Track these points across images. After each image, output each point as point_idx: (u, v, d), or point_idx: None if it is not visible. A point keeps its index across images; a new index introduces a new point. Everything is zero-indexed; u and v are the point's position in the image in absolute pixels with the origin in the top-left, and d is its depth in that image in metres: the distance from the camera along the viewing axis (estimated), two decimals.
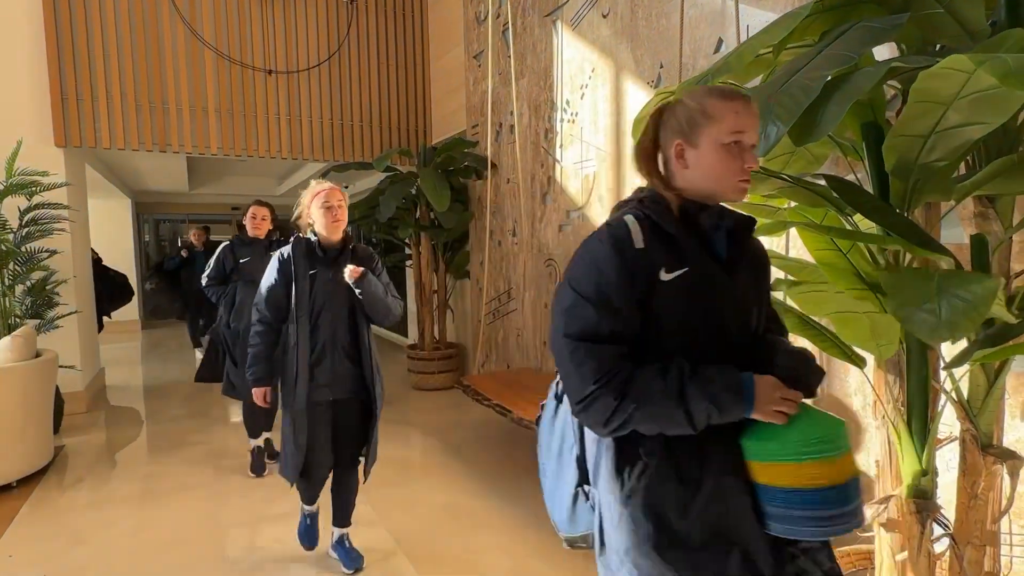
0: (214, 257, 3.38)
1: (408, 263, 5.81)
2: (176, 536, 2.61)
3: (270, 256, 2.67)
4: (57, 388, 3.89)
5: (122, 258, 9.46)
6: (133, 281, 9.64)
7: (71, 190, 4.53)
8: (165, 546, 2.52)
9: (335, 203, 2.12)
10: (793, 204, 1.52)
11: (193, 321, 6.39)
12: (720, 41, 2.56)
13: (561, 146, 3.75)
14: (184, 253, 6.47)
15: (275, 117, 5.19)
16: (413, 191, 4.94)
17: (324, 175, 5.13)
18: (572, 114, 3.63)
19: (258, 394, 2.22)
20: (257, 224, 3.39)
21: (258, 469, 3.32)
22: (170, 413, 4.69)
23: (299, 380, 2.10)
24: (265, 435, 3.45)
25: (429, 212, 5.03)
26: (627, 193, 3.14)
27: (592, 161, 3.46)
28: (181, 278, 6.44)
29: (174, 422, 4.42)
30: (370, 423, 2.25)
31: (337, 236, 2.18)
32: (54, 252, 4.12)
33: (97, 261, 5.79)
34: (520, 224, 4.23)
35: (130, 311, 9.64)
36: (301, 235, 2.22)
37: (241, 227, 3.62)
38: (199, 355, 6.14)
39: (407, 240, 5.38)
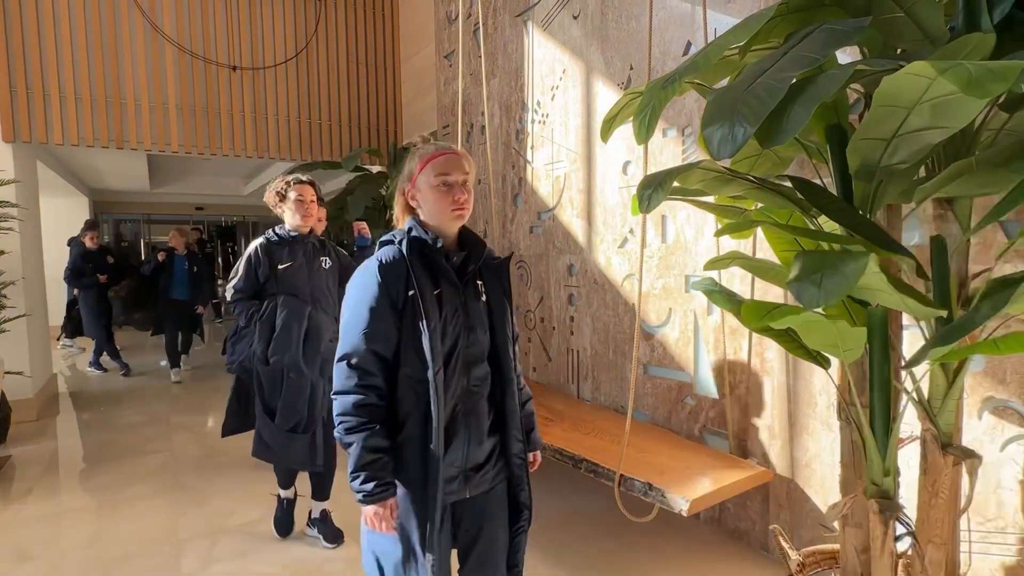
0: (243, 260, 2.46)
1: None
2: (131, 550, 2.50)
3: (323, 261, 2.51)
4: (3, 395, 3.70)
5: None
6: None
7: (20, 187, 4.33)
8: (119, 560, 2.41)
9: (459, 177, 1.32)
10: (760, 205, 1.53)
11: (171, 336, 5.84)
12: (689, 44, 2.57)
13: (532, 147, 3.73)
14: (161, 257, 5.77)
15: (240, 115, 5.05)
16: (383, 191, 4.87)
17: (290, 174, 5.03)
18: (543, 115, 3.62)
19: (376, 517, 1.27)
20: (307, 209, 2.44)
21: (283, 529, 2.57)
22: (127, 420, 4.51)
23: (429, 479, 1.28)
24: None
25: None
26: (596, 194, 3.14)
27: (563, 162, 3.45)
28: (158, 286, 5.76)
29: (131, 430, 4.25)
30: None
31: (455, 230, 1.38)
32: (1, 253, 3.92)
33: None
34: (491, 225, 4.20)
35: None
36: (403, 231, 1.36)
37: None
38: (175, 376, 5.75)
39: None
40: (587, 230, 3.27)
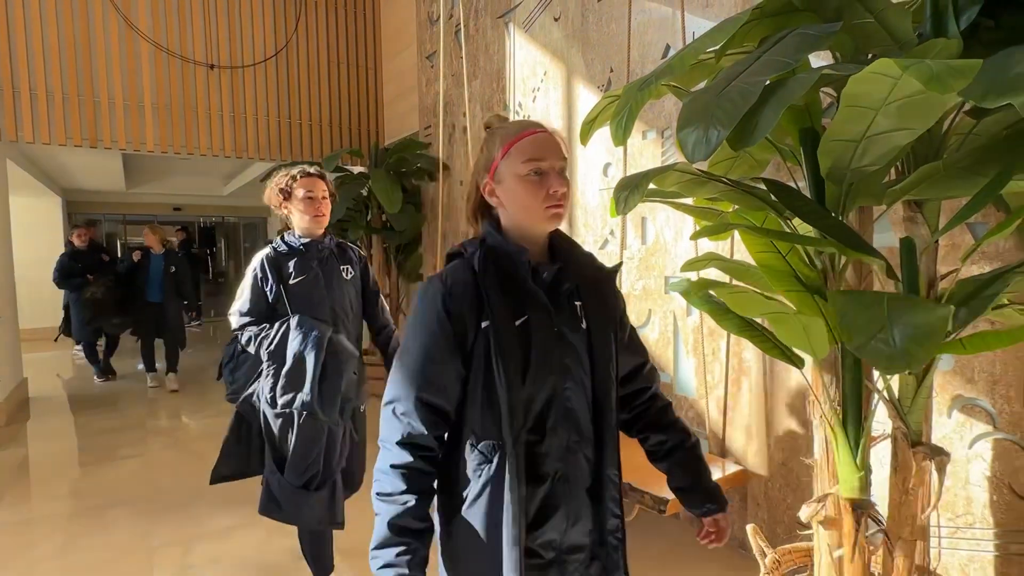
0: (247, 279, 2.04)
1: None
2: (103, 557, 2.44)
3: (344, 270, 2.08)
4: None
5: (50, 260, 8.90)
6: None
7: None
8: (90, 569, 2.35)
9: (556, 164, 1.04)
10: (736, 207, 1.55)
11: (147, 340, 5.50)
12: (668, 47, 2.60)
13: None
14: (136, 256, 5.41)
15: (218, 114, 4.97)
16: (364, 192, 4.83)
17: (270, 175, 4.96)
18: (524, 116, 3.62)
19: None
20: (318, 208, 2.06)
21: None
22: (100, 425, 4.41)
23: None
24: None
25: (381, 214, 4.93)
26: (577, 196, 3.15)
27: None
28: (135, 285, 5.39)
29: (104, 435, 4.15)
30: None
31: (546, 234, 1.11)
32: None
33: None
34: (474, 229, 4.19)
35: (57, 316, 9.09)
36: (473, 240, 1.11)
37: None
38: (152, 381, 5.49)
39: (358, 242, 5.25)
40: (568, 232, 3.28)
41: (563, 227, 3.35)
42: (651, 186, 1.38)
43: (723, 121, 1.03)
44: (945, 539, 1.74)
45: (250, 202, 11.19)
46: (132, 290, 5.40)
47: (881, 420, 1.79)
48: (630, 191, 1.21)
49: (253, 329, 2.00)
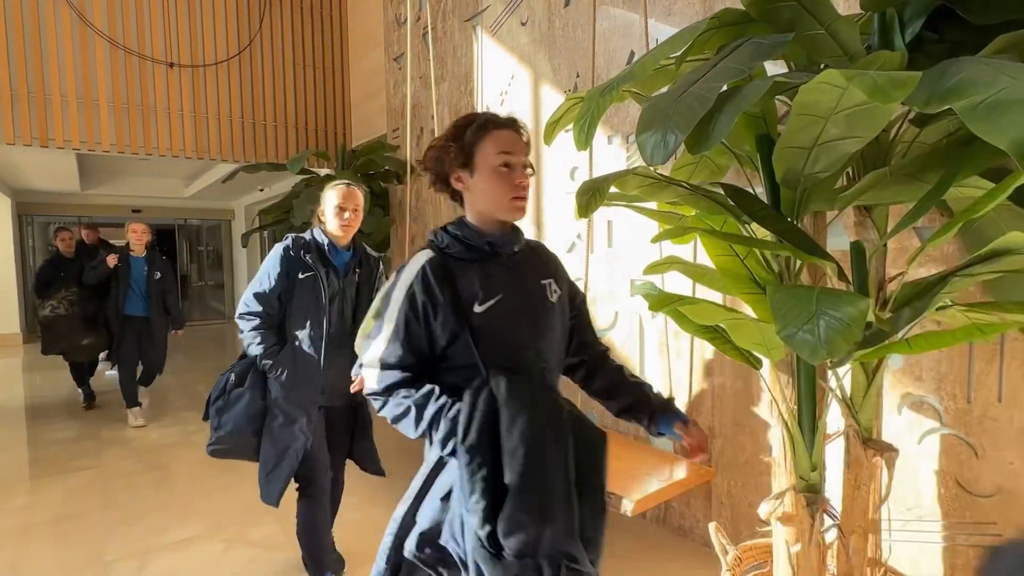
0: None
1: None
2: (57, 574, 2.34)
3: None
4: None
5: (1, 263, 8.52)
6: (15, 292, 8.70)
7: None
8: None
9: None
10: (696, 212, 1.58)
11: (128, 367, 4.41)
12: (632, 53, 2.64)
13: None
14: (112, 261, 4.21)
15: (178, 113, 4.84)
16: None
17: (232, 175, 4.86)
18: None
19: None
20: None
21: None
22: (54, 436, 4.22)
23: None
24: None
25: None
26: (543, 200, 3.16)
27: None
28: (108, 297, 4.35)
29: (58, 445, 3.98)
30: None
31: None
32: None
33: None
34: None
35: (10, 323, 8.69)
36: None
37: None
38: (134, 420, 4.35)
39: None
40: (536, 235, 3.29)
41: (531, 229, 3.34)
42: (613, 190, 1.40)
43: (680, 126, 1.05)
44: (896, 532, 1.80)
45: (212, 204, 10.90)
46: (105, 303, 4.37)
47: (835, 418, 1.85)
48: (591, 195, 1.22)
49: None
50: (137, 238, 4.24)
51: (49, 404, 5.15)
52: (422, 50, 4.30)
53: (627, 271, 2.72)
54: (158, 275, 4.36)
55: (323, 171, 5.31)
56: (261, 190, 8.80)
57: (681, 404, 2.49)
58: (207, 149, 4.98)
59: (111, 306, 4.29)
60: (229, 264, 11.63)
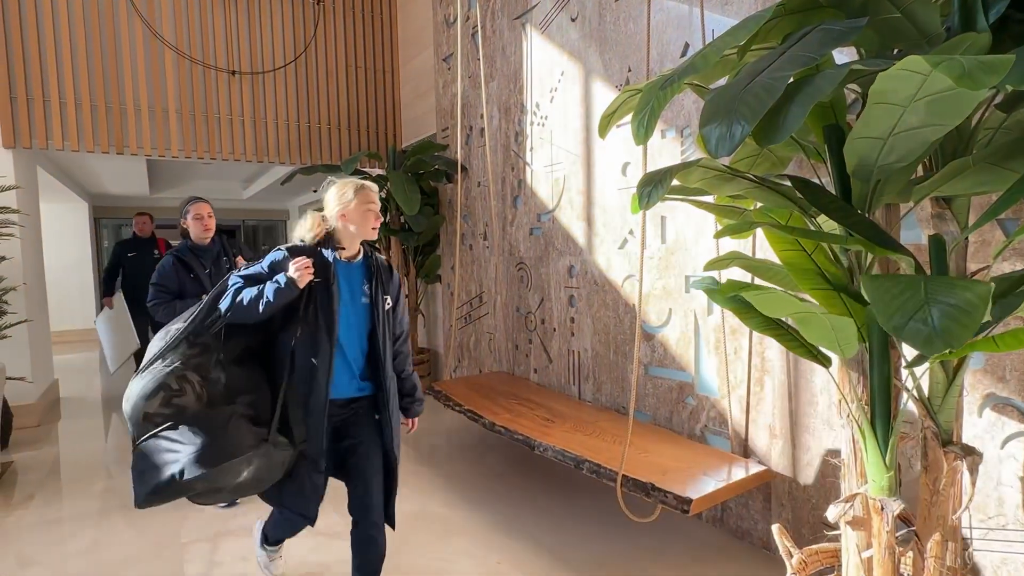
0: None
1: None
2: (133, 554, 2.50)
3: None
4: (5, 401, 3.71)
5: (78, 264, 9.12)
6: (92, 290, 9.31)
7: (21, 193, 4.34)
8: (122, 565, 2.41)
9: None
10: (759, 205, 1.54)
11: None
12: (687, 45, 2.59)
13: (531, 149, 3.74)
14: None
15: (239, 119, 5.06)
16: (383, 195, 4.87)
17: (290, 178, 5.04)
18: (542, 117, 3.63)
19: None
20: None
21: None
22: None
23: None
24: None
25: (399, 216, 4.97)
26: (596, 195, 3.15)
27: (562, 164, 3.46)
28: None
29: None
30: None
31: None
32: (2, 259, 3.93)
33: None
34: (491, 227, 4.21)
35: (88, 319, 9.30)
36: None
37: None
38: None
39: (377, 244, 5.30)
40: (587, 231, 3.28)
41: (581, 226, 3.34)
42: (674, 182, 1.38)
43: (747, 116, 1.03)
44: (977, 540, 1.70)
45: (270, 205, 11.34)
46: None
47: (910, 419, 1.77)
48: (654, 186, 1.21)
49: None
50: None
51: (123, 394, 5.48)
52: (471, 50, 4.34)
53: (682, 268, 2.67)
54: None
55: (375, 171, 5.45)
56: (314, 191, 9.08)
57: (738, 403, 2.43)
58: (266, 152, 5.19)
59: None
60: None
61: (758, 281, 2.31)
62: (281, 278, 1.77)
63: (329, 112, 5.45)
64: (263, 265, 1.85)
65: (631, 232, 2.99)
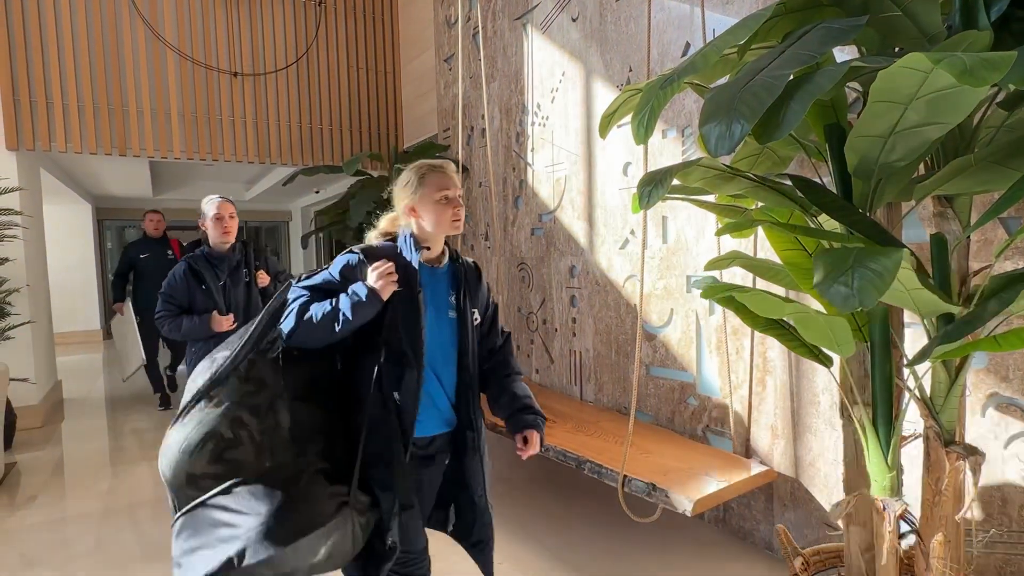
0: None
1: None
2: (136, 555, 2.50)
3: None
4: (9, 402, 3.72)
5: (81, 265, 9.15)
6: (95, 291, 9.34)
7: (24, 195, 4.35)
8: (124, 565, 2.42)
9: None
10: (760, 204, 1.53)
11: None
12: (688, 45, 2.58)
13: (532, 149, 3.74)
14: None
15: (241, 120, 5.07)
16: (384, 195, 4.87)
17: (292, 179, 5.05)
18: (543, 117, 3.63)
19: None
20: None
21: None
22: (132, 426, 4.52)
23: None
24: None
25: None
26: (597, 195, 3.14)
27: (563, 164, 3.46)
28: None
29: (136, 435, 4.26)
30: None
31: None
32: (5, 260, 3.94)
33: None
34: (492, 228, 4.21)
35: (91, 320, 9.32)
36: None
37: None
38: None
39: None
40: (588, 232, 3.28)
41: (583, 226, 3.33)
42: (675, 182, 1.38)
43: (747, 115, 1.02)
44: (980, 541, 1.70)
45: (273, 206, 11.36)
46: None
47: (912, 420, 1.76)
48: (654, 186, 1.21)
49: None
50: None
51: (127, 396, 5.50)
52: (472, 50, 4.35)
53: (683, 267, 2.67)
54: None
55: (376, 172, 5.45)
56: (317, 192, 9.11)
57: (740, 403, 2.42)
58: (268, 153, 5.20)
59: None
60: (287, 263, 12.09)
61: (760, 281, 2.30)
62: (360, 289, 1.38)
63: (331, 113, 5.46)
64: (332, 272, 1.47)
65: (632, 232, 2.99)
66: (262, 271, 2.84)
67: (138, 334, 4.54)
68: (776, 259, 1.54)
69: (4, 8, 4.16)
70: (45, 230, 5.20)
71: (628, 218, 3.00)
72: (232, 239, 2.72)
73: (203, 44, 4.87)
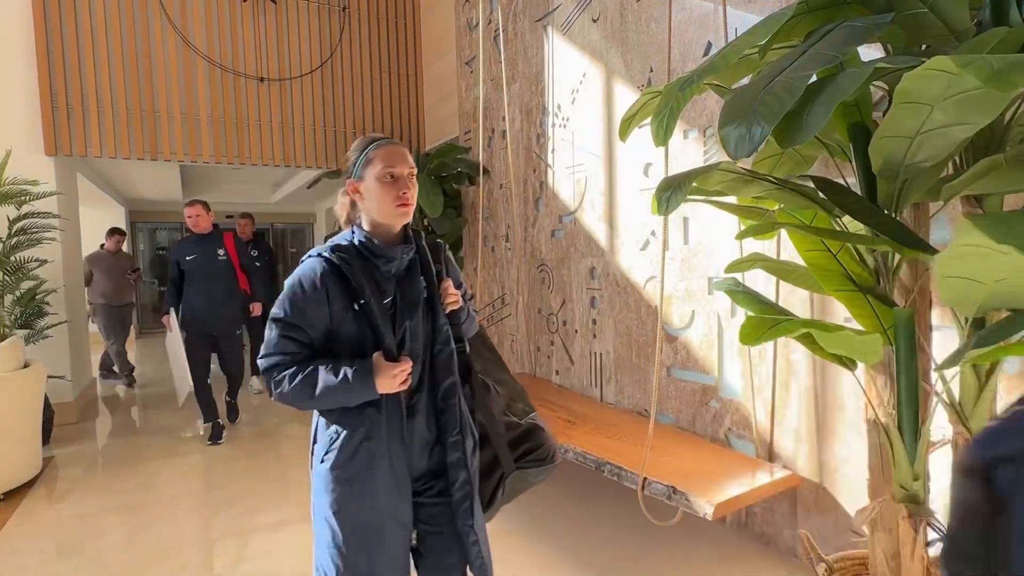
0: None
1: None
2: (167, 547, 2.58)
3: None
4: (47, 398, 3.85)
5: None
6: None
7: (62, 199, 4.50)
8: (156, 558, 2.49)
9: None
10: (781, 206, 1.51)
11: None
12: (709, 44, 2.56)
13: (553, 151, 3.75)
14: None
15: (267, 125, 5.17)
16: None
17: (316, 181, 5.13)
18: (564, 119, 3.63)
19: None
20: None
21: None
22: (164, 422, 4.65)
23: None
24: None
25: (422, 219, 5.02)
26: (619, 197, 3.13)
27: (584, 165, 3.45)
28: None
29: (167, 431, 4.37)
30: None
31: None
32: (44, 261, 4.08)
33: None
34: (513, 229, 4.22)
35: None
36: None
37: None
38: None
39: None
40: (609, 233, 3.27)
41: (603, 228, 3.32)
42: (694, 185, 1.37)
43: (767, 117, 1.01)
44: None
45: (298, 208, 11.55)
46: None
47: (941, 425, 1.72)
48: (673, 191, 1.20)
49: None
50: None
51: (158, 393, 5.66)
52: (493, 52, 4.37)
53: (705, 269, 2.64)
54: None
55: None
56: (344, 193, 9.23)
57: (763, 406, 2.39)
58: (293, 157, 5.30)
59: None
60: None
61: (783, 284, 2.27)
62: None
63: (354, 116, 5.54)
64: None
65: (653, 233, 2.97)
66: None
67: (184, 354, 3.90)
68: (799, 261, 1.52)
69: (44, 20, 4.32)
70: (82, 232, 5.37)
71: (649, 219, 2.99)
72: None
73: (231, 51, 4.99)
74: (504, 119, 4.16)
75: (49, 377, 3.79)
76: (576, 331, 3.59)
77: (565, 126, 3.62)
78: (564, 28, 3.58)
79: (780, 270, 1.58)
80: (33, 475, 3.37)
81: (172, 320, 3.93)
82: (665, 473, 2.17)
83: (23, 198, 3.89)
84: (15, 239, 3.90)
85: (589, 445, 2.53)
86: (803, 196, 1.24)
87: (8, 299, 3.88)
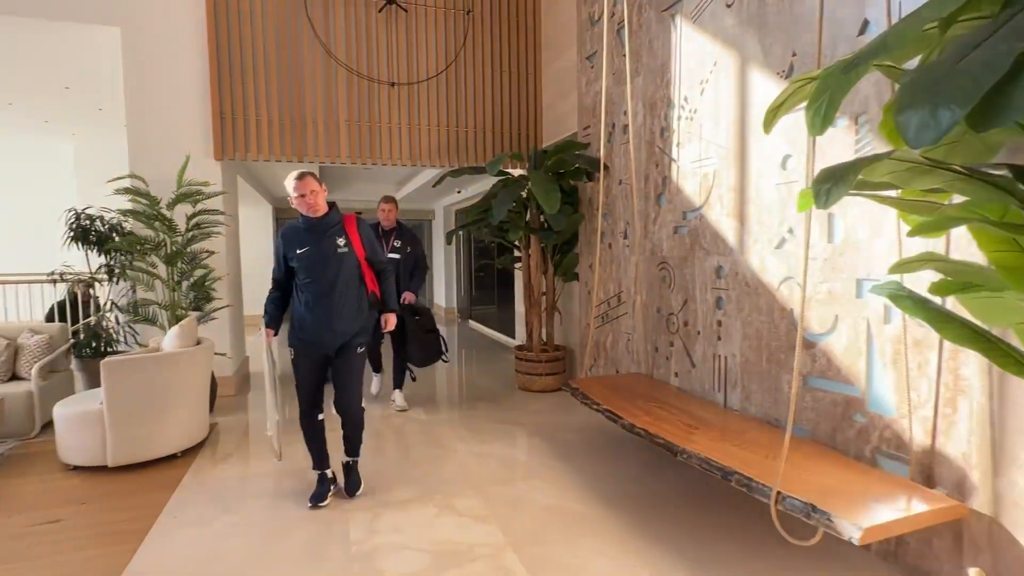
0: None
1: (518, 265, 5.89)
2: (306, 514, 2.85)
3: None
4: (212, 372, 4.40)
5: (263, 258, 10.55)
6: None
7: (226, 198, 5.12)
8: (300, 520, 2.77)
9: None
10: (956, 199, 1.34)
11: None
12: (866, 22, 2.32)
13: (678, 144, 3.61)
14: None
15: (396, 126, 5.50)
16: (524, 194, 5.00)
17: (440, 180, 5.38)
18: (691, 111, 3.48)
19: None
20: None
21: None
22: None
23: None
24: None
25: (539, 215, 5.07)
26: (751, 192, 2.95)
27: (712, 159, 3.29)
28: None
29: None
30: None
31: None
32: (212, 252, 4.67)
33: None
34: (632, 226, 4.13)
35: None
36: None
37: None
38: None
39: (517, 242, 5.46)
40: (739, 230, 3.09)
41: (732, 224, 3.17)
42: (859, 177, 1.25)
43: (958, 99, 0.90)
44: None
45: (419, 205, 12.18)
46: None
47: None
48: (834, 183, 1.11)
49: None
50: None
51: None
52: (616, 46, 4.29)
53: (852, 270, 2.41)
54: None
55: (517, 171, 5.61)
56: (458, 192, 9.59)
57: (922, 425, 2.14)
58: (419, 156, 5.59)
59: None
60: (430, 258, 12.91)
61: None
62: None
63: (475, 116, 5.72)
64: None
65: (790, 231, 2.76)
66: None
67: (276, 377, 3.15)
68: (974, 260, 1.33)
69: (215, 42, 4.93)
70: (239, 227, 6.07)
71: (786, 215, 2.78)
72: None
73: (366, 58, 5.37)
74: (626, 113, 4.08)
75: (216, 354, 4.33)
76: (699, 332, 3.44)
77: (692, 119, 3.47)
78: (694, 16, 3.42)
79: (955, 271, 1.39)
80: (203, 438, 3.88)
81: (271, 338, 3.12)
82: (802, 489, 2.02)
83: (197, 198, 4.47)
84: (191, 233, 4.50)
85: (714, 452, 2.42)
86: (996, 188, 1.09)
87: (184, 285, 4.48)
